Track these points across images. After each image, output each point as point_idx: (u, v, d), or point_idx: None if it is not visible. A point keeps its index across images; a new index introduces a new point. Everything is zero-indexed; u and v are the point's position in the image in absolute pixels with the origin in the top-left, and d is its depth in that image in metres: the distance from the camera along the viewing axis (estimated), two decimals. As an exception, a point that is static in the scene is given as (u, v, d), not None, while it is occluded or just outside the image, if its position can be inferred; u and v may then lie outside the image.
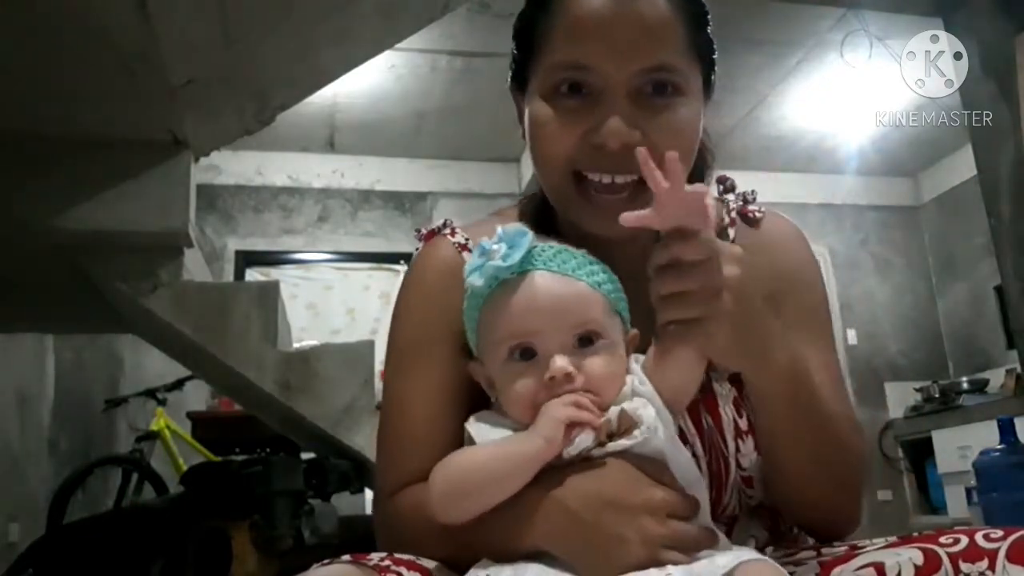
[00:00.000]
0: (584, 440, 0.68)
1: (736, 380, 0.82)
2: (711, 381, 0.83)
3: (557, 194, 0.81)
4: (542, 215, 0.87)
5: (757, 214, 0.91)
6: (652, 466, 0.68)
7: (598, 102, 0.76)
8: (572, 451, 0.68)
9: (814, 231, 5.68)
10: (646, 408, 0.69)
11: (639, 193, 0.77)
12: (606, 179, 0.77)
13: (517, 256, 0.71)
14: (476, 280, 0.72)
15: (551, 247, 0.74)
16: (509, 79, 0.87)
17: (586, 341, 0.71)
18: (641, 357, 0.74)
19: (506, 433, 0.71)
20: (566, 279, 0.72)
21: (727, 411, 0.82)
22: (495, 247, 0.72)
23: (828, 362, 0.86)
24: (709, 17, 0.82)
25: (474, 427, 0.73)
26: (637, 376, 0.72)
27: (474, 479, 0.68)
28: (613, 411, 0.69)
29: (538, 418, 0.68)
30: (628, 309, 0.76)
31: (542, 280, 0.72)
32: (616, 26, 0.75)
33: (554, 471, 0.68)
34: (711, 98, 0.84)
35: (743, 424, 0.82)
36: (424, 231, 0.92)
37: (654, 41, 0.76)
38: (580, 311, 0.71)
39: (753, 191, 0.94)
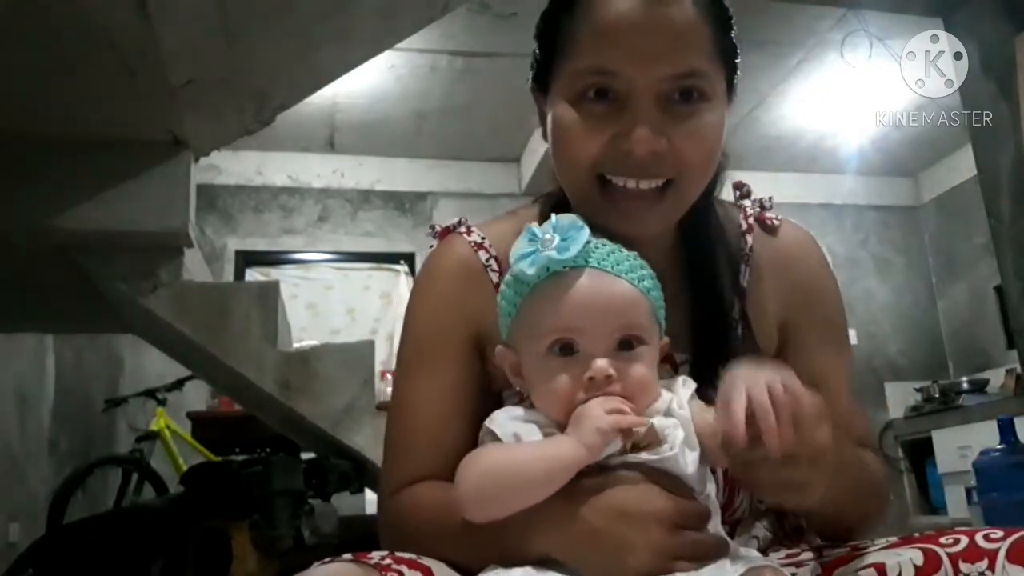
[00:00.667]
0: (613, 446, 0.66)
1: None
2: None
3: (580, 196, 0.80)
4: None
5: (775, 221, 0.91)
6: (666, 479, 0.67)
7: (624, 107, 0.75)
8: (598, 456, 0.67)
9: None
10: (676, 430, 0.68)
11: (663, 197, 0.77)
12: (631, 184, 0.76)
13: (575, 250, 0.69)
14: (527, 268, 0.70)
15: (605, 245, 0.73)
16: (530, 79, 0.86)
17: (627, 345, 0.70)
18: (692, 384, 0.72)
19: (533, 427, 0.69)
20: (618, 280, 0.71)
21: None
22: (547, 236, 0.71)
23: (846, 373, 0.87)
24: (733, 21, 0.81)
25: (498, 424, 0.71)
26: (677, 399, 0.70)
27: (512, 479, 0.67)
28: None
29: (578, 422, 0.66)
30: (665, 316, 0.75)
31: (595, 278, 0.70)
32: (644, 31, 0.74)
33: None
34: (733, 101, 0.83)
35: None
36: (439, 228, 0.92)
37: (682, 47, 0.75)
38: (627, 314, 0.70)
39: (770, 198, 0.93)
